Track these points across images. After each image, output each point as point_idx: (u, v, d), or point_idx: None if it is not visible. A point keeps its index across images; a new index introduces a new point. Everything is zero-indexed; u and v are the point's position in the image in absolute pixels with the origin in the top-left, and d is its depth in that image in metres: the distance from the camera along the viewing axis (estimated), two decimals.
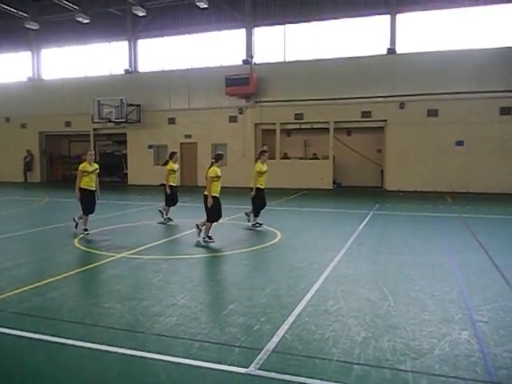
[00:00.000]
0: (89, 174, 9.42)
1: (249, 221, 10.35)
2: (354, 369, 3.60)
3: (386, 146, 20.33)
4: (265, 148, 11.09)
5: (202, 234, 8.70)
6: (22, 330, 4.42)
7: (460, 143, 19.01)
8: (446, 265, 6.97)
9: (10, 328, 4.47)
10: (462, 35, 19.00)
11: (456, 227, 10.45)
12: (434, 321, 4.62)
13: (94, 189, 9.53)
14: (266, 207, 10.49)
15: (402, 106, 19.69)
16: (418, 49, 19.42)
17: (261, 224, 10.23)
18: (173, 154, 11.73)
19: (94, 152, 9.89)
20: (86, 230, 9.48)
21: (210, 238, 8.57)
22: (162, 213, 11.24)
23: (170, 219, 11.20)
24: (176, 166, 11.54)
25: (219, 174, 8.56)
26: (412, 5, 19.44)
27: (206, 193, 8.55)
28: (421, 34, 19.57)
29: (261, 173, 10.22)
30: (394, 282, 6.02)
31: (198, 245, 8.49)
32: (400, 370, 3.57)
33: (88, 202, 9.52)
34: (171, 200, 11.38)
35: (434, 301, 5.25)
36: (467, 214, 12.40)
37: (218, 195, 8.62)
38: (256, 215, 10.30)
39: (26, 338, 4.27)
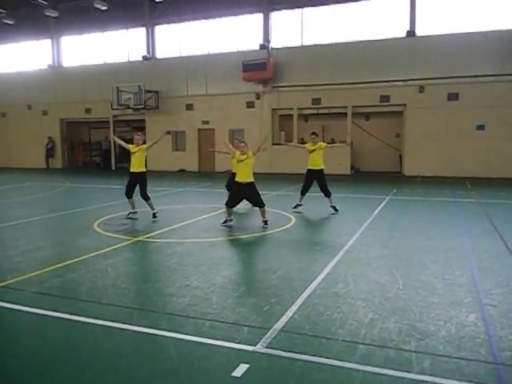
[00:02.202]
0: (133, 155, 9.62)
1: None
2: (358, 348, 3.69)
3: (405, 130, 20.07)
4: (314, 131, 10.95)
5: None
6: (43, 309, 4.63)
7: (481, 127, 18.63)
8: (459, 249, 6.96)
9: (32, 306, 4.69)
10: (484, 16, 18.47)
11: (473, 212, 10.35)
12: (442, 304, 4.66)
13: (132, 170, 9.62)
14: (306, 191, 10.56)
15: (421, 89, 19.35)
16: (439, 31, 18.99)
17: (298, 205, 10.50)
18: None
19: (139, 136, 9.77)
20: (129, 213, 9.75)
21: (224, 221, 8.82)
22: None
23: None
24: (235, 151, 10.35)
25: (238, 158, 8.86)
26: None
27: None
28: (441, 15, 19.11)
29: (309, 151, 10.35)
30: (405, 266, 6.06)
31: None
32: (404, 350, 3.64)
33: (127, 185, 9.73)
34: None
35: (444, 284, 5.28)
36: (486, 200, 12.25)
37: (239, 180, 8.81)
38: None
39: (46, 315, 4.48)
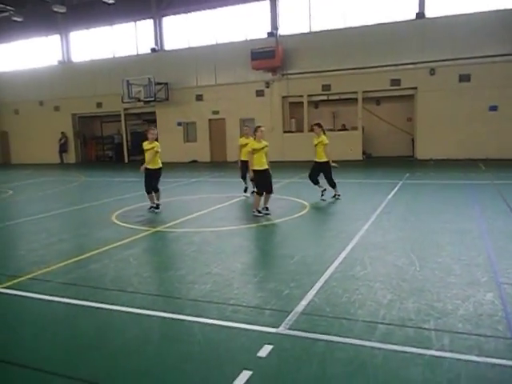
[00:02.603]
0: (146, 152, 9.57)
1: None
2: (378, 328, 3.80)
3: (417, 114, 19.95)
4: (317, 122, 10.89)
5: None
6: (70, 298, 4.81)
7: (494, 108, 18.45)
8: (474, 231, 6.99)
9: (60, 296, 4.87)
10: None
11: (488, 194, 10.33)
12: (459, 284, 4.74)
13: (149, 167, 9.53)
14: (310, 180, 10.66)
15: (432, 72, 19.18)
16: (449, 11, 18.73)
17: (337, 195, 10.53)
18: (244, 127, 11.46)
19: (154, 131, 9.77)
20: (151, 207, 9.73)
21: (258, 211, 8.80)
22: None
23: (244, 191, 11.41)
24: (247, 141, 10.62)
25: (256, 146, 8.70)
26: None
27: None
28: None
29: (314, 145, 10.41)
30: (421, 249, 6.13)
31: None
32: (423, 329, 3.74)
33: (144, 180, 9.69)
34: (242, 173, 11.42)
35: (461, 265, 5.35)
36: (500, 181, 12.20)
37: (261, 168, 8.74)
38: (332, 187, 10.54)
39: (75, 304, 4.66)
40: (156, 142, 9.66)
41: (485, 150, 18.40)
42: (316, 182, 10.56)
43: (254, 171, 8.73)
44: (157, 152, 9.56)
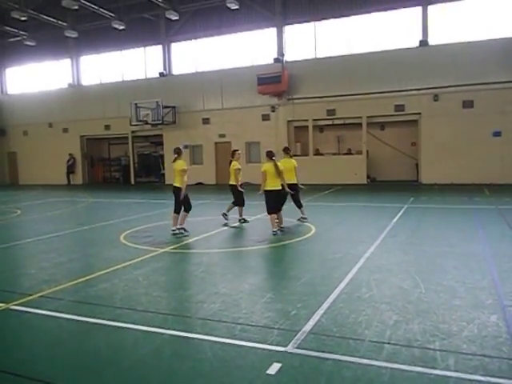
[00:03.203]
0: (185, 173, 9.42)
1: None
2: (385, 348, 3.87)
3: (421, 139, 20.17)
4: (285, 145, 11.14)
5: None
6: (81, 316, 4.91)
7: (497, 134, 18.65)
8: (479, 254, 7.07)
9: (71, 314, 4.97)
10: (497, 23, 18.59)
11: (492, 219, 10.41)
12: (464, 306, 4.81)
13: (186, 185, 9.44)
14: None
15: (436, 98, 19.48)
16: (452, 40, 19.15)
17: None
18: (234, 152, 11.30)
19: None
20: (178, 229, 9.55)
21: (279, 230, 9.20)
22: (226, 215, 10.93)
23: (245, 220, 10.78)
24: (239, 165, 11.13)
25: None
26: None
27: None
28: (454, 24, 19.28)
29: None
30: (426, 272, 6.21)
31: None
32: (429, 349, 3.81)
33: (185, 200, 9.51)
34: (241, 200, 10.91)
35: (466, 288, 5.42)
36: (504, 206, 12.28)
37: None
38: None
39: (86, 322, 4.75)
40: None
41: (489, 175, 18.52)
42: (299, 206, 10.69)
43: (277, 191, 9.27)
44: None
